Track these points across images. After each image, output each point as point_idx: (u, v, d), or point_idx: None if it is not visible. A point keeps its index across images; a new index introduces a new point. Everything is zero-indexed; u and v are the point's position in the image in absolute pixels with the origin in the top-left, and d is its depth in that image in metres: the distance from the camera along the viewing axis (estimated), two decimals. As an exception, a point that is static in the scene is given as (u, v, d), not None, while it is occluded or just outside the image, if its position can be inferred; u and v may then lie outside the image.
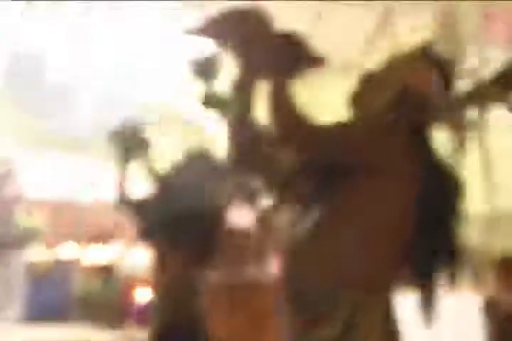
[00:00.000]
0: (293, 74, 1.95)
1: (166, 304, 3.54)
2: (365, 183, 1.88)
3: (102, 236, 9.91)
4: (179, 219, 3.52)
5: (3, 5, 6.64)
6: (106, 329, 8.61)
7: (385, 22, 6.94)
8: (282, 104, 1.88)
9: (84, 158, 10.01)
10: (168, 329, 3.53)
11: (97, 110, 10.31)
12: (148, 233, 3.75)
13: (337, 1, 6.76)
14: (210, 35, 2.02)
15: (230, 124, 2.09)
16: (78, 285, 9.34)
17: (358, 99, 2.04)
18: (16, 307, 8.92)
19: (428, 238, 1.94)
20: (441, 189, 1.95)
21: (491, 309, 4.79)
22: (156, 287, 3.68)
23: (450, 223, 1.98)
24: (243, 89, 2.02)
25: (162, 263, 3.62)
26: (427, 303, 1.98)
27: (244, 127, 2.06)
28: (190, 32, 2.05)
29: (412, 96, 1.99)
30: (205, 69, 2.09)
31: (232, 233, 5.36)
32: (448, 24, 6.91)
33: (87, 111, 10.29)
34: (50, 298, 9.00)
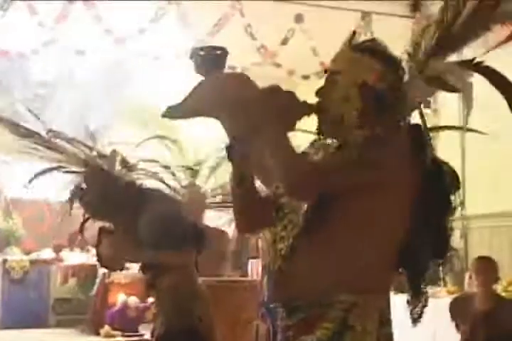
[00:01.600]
0: (288, 126, 1.92)
1: (168, 308, 3.51)
2: (361, 191, 1.86)
3: (80, 240, 9.85)
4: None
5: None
6: (83, 333, 8.57)
7: (363, 25, 6.98)
8: (285, 158, 1.86)
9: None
10: (165, 331, 3.50)
11: (79, 110, 10.27)
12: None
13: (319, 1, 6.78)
14: (197, 107, 1.97)
15: (232, 189, 2.06)
16: (55, 288, 9.28)
17: (324, 117, 1.99)
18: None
19: (423, 237, 1.94)
20: (440, 186, 1.94)
21: (460, 306, 4.83)
22: (157, 291, 3.65)
23: (446, 220, 1.97)
24: (240, 156, 1.99)
25: (162, 268, 3.59)
26: (417, 304, 1.99)
27: (247, 189, 2.04)
28: (174, 115, 2.00)
29: (372, 91, 1.95)
30: (211, 60, 2.02)
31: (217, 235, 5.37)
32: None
33: (70, 112, 10.25)
34: (27, 301, 8.93)
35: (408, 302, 1.99)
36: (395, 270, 1.99)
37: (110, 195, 3.55)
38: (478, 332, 4.64)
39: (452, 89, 1.97)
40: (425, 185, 1.91)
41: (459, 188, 1.98)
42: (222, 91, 1.93)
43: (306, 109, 1.96)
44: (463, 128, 2.20)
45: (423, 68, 1.99)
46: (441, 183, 1.94)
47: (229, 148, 2.01)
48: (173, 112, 1.99)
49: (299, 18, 6.93)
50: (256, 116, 1.90)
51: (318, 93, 2.01)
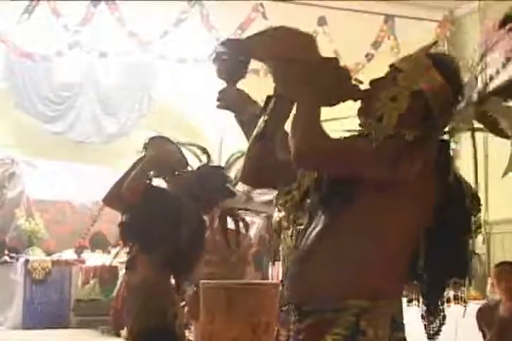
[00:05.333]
0: (329, 101, 1.92)
1: (140, 306, 3.51)
2: (379, 195, 1.85)
3: (101, 240, 9.89)
4: (155, 223, 3.52)
5: (5, 5, 6.64)
6: (104, 334, 8.59)
7: (386, 28, 6.96)
8: (306, 124, 1.85)
9: (87, 162, 10.02)
10: (141, 330, 3.50)
11: (99, 115, 10.32)
12: (126, 234, 3.74)
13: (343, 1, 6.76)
14: (251, 49, 1.98)
15: (251, 139, 2.05)
16: (76, 289, 9.31)
17: (367, 108, 1.99)
18: (15, 311, 8.90)
19: (440, 249, 1.93)
20: (459, 202, 1.92)
21: (487, 314, 4.78)
22: (128, 288, 3.66)
23: (464, 235, 1.96)
24: (277, 107, 1.98)
25: (134, 265, 3.61)
26: (433, 321, 1.97)
27: (266, 143, 2.01)
28: (231, 49, 2.00)
29: (422, 101, 1.94)
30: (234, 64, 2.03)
31: (235, 237, 5.37)
32: (452, 31, 6.93)
33: (90, 116, 10.30)
34: (49, 302, 8.98)
35: (422, 317, 1.98)
36: (409, 277, 1.97)
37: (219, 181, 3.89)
38: (505, 339, 4.59)
39: (503, 136, 1.94)
40: (445, 205, 1.90)
41: (479, 211, 1.97)
42: (286, 42, 1.93)
43: (355, 92, 1.95)
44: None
45: (483, 101, 1.96)
46: (462, 204, 1.93)
47: (267, 99, 2.01)
48: (231, 46, 2.01)
49: (322, 21, 6.93)
50: (305, 78, 1.89)
51: (372, 82, 2.01)
